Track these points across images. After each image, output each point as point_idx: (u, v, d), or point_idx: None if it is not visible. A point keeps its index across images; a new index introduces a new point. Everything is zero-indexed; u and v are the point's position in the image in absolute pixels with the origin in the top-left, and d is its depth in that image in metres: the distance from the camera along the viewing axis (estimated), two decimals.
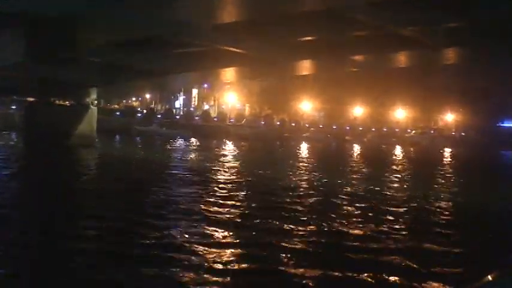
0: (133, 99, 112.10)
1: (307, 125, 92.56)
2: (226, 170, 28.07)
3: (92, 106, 35.25)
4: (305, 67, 29.53)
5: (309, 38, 22.73)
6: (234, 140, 66.51)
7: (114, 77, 29.76)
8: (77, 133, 34.16)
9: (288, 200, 17.99)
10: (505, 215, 17.43)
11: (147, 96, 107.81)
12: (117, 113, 77.96)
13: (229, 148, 52.21)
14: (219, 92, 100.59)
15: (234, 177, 24.67)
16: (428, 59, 27.08)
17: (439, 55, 25.26)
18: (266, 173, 27.18)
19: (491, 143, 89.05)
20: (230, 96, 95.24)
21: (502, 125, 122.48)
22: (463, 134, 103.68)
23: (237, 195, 18.53)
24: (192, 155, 40.47)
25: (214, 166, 29.72)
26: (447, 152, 70.09)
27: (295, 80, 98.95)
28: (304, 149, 57.47)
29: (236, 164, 32.62)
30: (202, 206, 15.58)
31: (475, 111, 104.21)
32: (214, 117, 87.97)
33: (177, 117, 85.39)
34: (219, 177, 24.26)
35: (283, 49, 24.49)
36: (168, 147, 49.13)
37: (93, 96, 35.21)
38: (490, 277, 1.14)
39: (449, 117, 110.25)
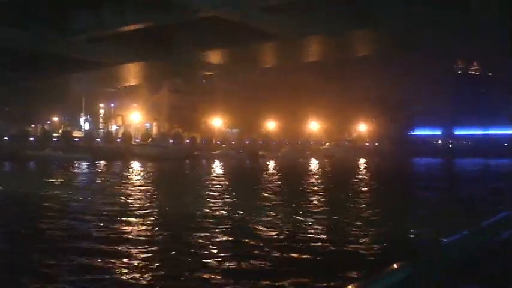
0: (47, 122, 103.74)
1: (218, 142, 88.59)
2: (104, 198, 23.34)
3: None
4: (134, 71, 24.85)
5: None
6: (140, 160, 61.68)
7: None
8: None
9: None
10: None
11: (55, 119, 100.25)
12: (6, 138, 70.21)
13: (129, 171, 47.04)
14: (126, 111, 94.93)
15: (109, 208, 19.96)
16: (290, 54, 23.36)
17: (302, 49, 21.60)
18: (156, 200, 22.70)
19: (404, 151, 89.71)
20: (137, 114, 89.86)
21: (413, 133, 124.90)
22: (376, 144, 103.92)
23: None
24: (71, 182, 35.06)
25: (86, 196, 24.90)
26: (361, 162, 68.51)
27: (205, 96, 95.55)
28: (212, 168, 53.34)
29: (124, 190, 27.77)
30: None
31: (388, 121, 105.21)
32: (118, 138, 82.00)
33: (76, 139, 78.58)
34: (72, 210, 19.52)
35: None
36: (52, 172, 43.17)
37: None
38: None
39: (363, 128, 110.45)
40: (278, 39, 17.55)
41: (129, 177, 39.61)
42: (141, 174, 43.67)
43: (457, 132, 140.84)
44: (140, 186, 31.02)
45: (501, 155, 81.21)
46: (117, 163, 58.08)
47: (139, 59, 19.74)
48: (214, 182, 33.72)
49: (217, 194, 25.90)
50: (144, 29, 16.93)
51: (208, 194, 25.55)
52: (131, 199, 23.58)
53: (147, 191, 28.01)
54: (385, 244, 13.69)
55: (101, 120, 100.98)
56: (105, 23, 15.84)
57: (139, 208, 20.44)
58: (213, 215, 18.47)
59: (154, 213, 19.11)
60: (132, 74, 23.67)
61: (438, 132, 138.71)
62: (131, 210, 19.65)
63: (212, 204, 21.45)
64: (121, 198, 23.62)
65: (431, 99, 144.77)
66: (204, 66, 22.45)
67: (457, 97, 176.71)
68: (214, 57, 20.64)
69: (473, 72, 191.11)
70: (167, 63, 21.71)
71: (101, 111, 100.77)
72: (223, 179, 38.27)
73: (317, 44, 21.73)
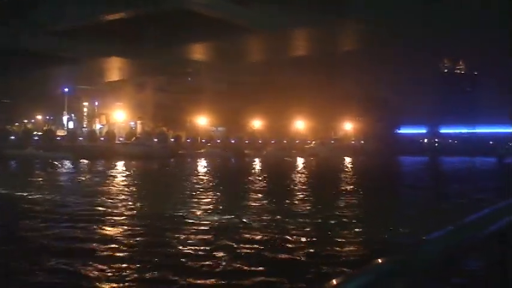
0: (25, 121, 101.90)
1: (204, 141, 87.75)
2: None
3: None
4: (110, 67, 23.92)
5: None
6: (123, 160, 60.65)
7: None
8: None
9: None
10: None
11: (39, 117, 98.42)
12: None
13: (110, 170, 46.03)
14: (110, 109, 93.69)
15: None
16: (274, 48, 22.43)
17: (286, 42, 20.70)
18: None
19: (390, 150, 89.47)
20: (122, 113, 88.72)
21: (399, 131, 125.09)
22: (362, 142, 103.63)
23: None
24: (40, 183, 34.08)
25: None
26: (347, 161, 68.12)
27: (191, 94, 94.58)
28: (196, 168, 52.53)
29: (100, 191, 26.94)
30: None
31: (374, 120, 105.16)
32: (102, 137, 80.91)
33: (58, 138, 77.34)
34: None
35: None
36: (31, 172, 42.08)
37: None
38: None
39: (349, 127, 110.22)
40: (250, 33, 16.91)
41: (110, 177, 38.67)
42: (123, 173, 42.67)
43: (442, 131, 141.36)
44: (120, 186, 30.11)
45: (486, 154, 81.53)
46: (99, 162, 57.07)
47: (115, 54, 18.95)
48: (197, 182, 32.96)
49: (199, 194, 25.19)
50: (117, 23, 16.13)
51: (190, 195, 24.75)
52: (109, 200, 22.79)
53: (127, 192, 27.09)
54: (367, 244, 13.21)
55: (85, 118, 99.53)
56: (69, 15, 15.04)
57: (117, 209, 19.71)
58: (194, 217, 17.77)
59: (132, 215, 18.34)
60: (108, 69, 22.80)
61: (424, 131, 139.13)
62: (108, 212, 18.87)
63: (192, 206, 20.71)
64: (98, 199, 22.77)
65: (417, 98, 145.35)
66: (182, 62, 21.65)
67: (443, 96, 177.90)
68: (193, 52, 19.86)
69: (458, 72, 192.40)
70: (145, 58, 20.91)
71: (85, 109, 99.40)
72: (207, 178, 37.50)
73: (302, 38, 21.08)
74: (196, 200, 22.61)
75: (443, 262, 1.63)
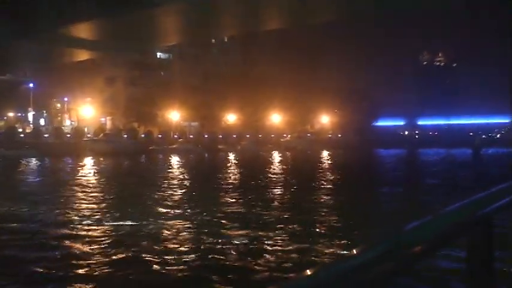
0: None
1: (176, 136, 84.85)
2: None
3: None
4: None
5: None
6: (90, 157, 57.92)
7: None
8: None
9: None
10: None
11: (10, 115, 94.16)
12: None
13: (73, 169, 43.14)
14: (80, 105, 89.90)
15: None
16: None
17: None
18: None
19: (368, 142, 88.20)
20: (91, 108, 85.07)
21: (376, 124, 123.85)
22: (339, 135, 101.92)
23: None
24: None
25: None
26: (324, 155, 66.14)
27: (164, 89, 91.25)
28: (166, 165, 49.80)
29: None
30: None
31: (352, 112, 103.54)
32: (68, 134, 77.54)
33: (22, 135, 73.80)
34: None
35: None
36: None
37: None
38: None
39: (326, 119, 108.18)
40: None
41: (68, 177, 35.55)
42: (85, 173, 39.09)
43: (422, 123, 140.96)
44: (77, 188, 26.53)
45: (466, 145, 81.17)
46: (64, 160, 54.20)
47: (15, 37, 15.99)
48: (164, 182, 30.00)
49: (162, 197, 22.38)
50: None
51: (153, 199, 21.75)
52: (59, 204, 19.81)
53: (83, 196, 23.55)
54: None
55: (53, 114, 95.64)
56: None
57: (66, 215, 16.96)
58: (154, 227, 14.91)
59: (84, 225, 15.38)
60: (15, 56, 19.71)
61: (401, 123, 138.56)
62: (56, 222, 15.99)
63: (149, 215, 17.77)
64: (48, 206, 19.63)
65: (396, 90, 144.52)
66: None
67: (421, 88, 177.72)
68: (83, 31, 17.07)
69: (438, 63, 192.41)
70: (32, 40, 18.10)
71: (54, 105, 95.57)
72: (175, 176, 34.72)
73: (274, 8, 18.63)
74: (158, 205, 19.68)
75: (422, 252, 1.58)
